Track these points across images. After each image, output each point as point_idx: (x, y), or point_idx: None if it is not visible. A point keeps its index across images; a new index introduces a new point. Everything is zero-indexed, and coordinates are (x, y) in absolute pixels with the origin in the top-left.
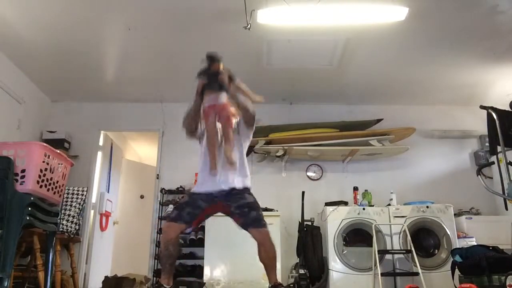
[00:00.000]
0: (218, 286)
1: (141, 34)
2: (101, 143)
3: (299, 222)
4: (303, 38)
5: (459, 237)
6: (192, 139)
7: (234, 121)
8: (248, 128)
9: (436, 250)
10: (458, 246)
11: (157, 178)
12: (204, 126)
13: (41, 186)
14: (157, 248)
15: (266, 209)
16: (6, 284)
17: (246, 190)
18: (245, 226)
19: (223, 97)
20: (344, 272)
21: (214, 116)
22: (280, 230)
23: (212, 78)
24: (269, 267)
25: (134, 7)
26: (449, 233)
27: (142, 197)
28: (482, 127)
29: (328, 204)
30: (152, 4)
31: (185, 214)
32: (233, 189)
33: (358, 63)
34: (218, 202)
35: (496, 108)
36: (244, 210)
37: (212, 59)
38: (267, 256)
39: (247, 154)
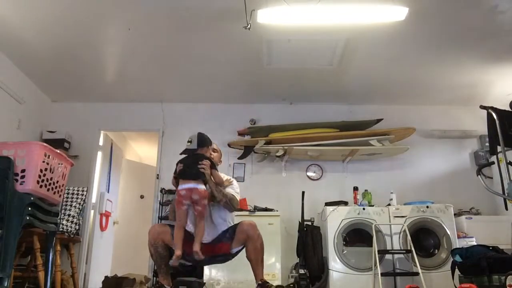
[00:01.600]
0: (218, 286)
1: (141, 34)
2: (101, 143)
3: (299, 222)
4: (303, 38)
5: (459, 237)
6: None
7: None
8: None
9: (436, 250)
10: (458, 246)
11: (157, 178)
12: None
13: (41, 186)
14: None
15: (266, 209)
16: (6, 284)
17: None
18: (233, 230)
19: (201, 186)
20: (344, 272)
21: (187, 205)
22: (280, 230)
23: (192, 164)
24: (257, 262)
25: (134, 7)
26: (449, 233)
27: (142, 197)
28: (482, 127)
29: (328, 204)
30: (152, 4)
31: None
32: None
33: (358, 63)
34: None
35: (496, 108)
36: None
37: (202, 143)
38: (255, 248)
39: (246, 155)
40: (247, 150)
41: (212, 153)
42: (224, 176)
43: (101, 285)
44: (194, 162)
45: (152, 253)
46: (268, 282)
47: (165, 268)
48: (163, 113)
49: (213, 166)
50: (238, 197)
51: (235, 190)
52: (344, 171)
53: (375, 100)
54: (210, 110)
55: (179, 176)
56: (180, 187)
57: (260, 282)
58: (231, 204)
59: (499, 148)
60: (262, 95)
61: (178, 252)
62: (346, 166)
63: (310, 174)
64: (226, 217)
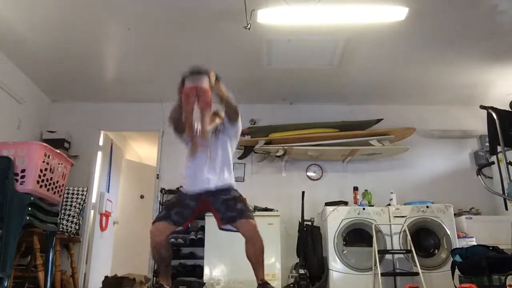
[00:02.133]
0: (218, 286)
1: (141, 34)
2: (101, 143)
3: (299, 222)
4: (303, 38)
5: (459, 237)
6: (179, 137)
7: (215, 119)
8: (233, 124)
9: (436, 250)
10: (458, 246)
11: (157, 178)
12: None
13: (41, 186)
14: None
15: (266, 209)
16: (6, 284)
17: (231, 187)
18: (232, 219)
19: (205, 81)
20: (344, 272)
21: (194, 97)
22: (280, 230)
23: (194, 69)
24: (257, 263)
25: (134, 7)
26: (449, 233)
27: (142, 197)
28: (482, 127)
29: (328, 204)
30: (152, 4)
31: (174, 213)
32: (218, 188)
33: (358, 63)
34: (203, 199)
35: (496, 108)
36: (230, 203)
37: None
38: (255, 251)
39: (246, 155)
40: (247, 150)
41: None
42: None
43: (101, 285)
44: (198, 71)
45: (154, 254)
46: (268, 284)
47: (166, 269)
48: (163, 113)
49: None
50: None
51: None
52: (344, 171)
53: (375, 100)
54: None
55: (184, 79)
56: (185, 87)
57: (260, 282)
58: (232, 105)
59: (499, 148)
60: (262, 95)
61: (195, 150)
62: (346, 166)
63: (310, 174)
64: (229, 158)
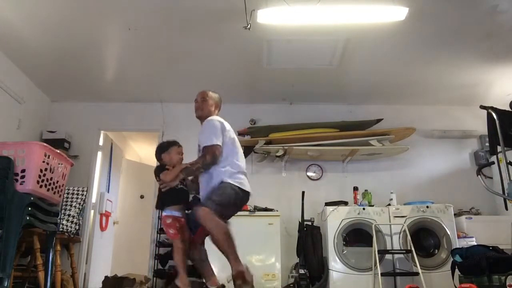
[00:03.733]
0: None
1: (141, 34)
2: (101, 143)
3: (299, 222)
4: (303, 38)
5: (459, 237)
6: None
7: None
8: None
9: (436, 250)
10: (458, 246)
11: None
12: None
13: (41, 186)
14: (157, 248)
15: (266, 209)
16: (6, 284)
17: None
18: (193, 215)
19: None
20: (344, 272)
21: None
22: (280, 230)
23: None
24: (223, 249)
25: (134, 7)
26: (449, 233)
27: (142, 197)
28: (482, 127)
29: (328, 204)
30: (152, 4)
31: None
32: None
33: (358, 63)
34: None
35: (496, 108)
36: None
37: (156, 153)
38: (214, 237)
39: (246, 155)
40: (247, 150)
41: (177, 154)
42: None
43: (101, 285)
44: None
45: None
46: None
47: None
48: (163, 113)
49: (160, 171)
50: (211, 143)
51: (205, 138)
52: (344, 171)
53: (375, 100)
54: None
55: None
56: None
57: (235, 273)
58: (205, 165)
59: (499, 148)
60: (262, 95)
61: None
62: (346, 166)
63: (310, 174)
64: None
